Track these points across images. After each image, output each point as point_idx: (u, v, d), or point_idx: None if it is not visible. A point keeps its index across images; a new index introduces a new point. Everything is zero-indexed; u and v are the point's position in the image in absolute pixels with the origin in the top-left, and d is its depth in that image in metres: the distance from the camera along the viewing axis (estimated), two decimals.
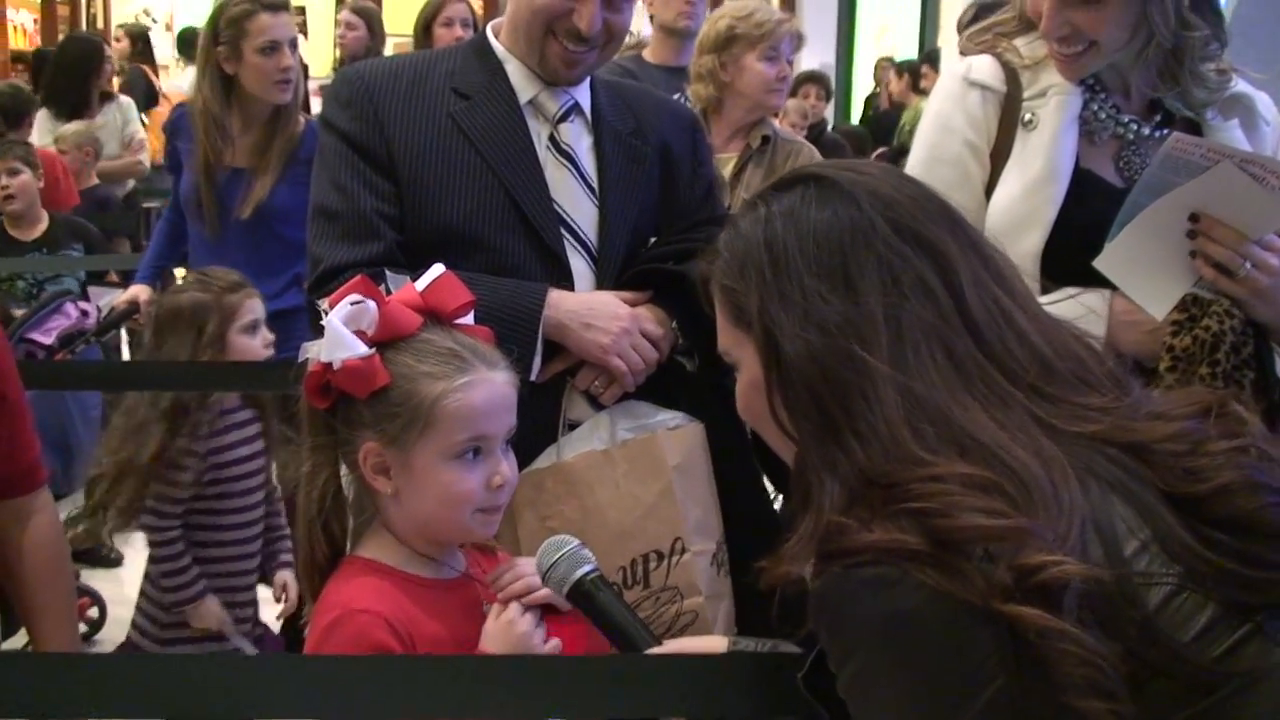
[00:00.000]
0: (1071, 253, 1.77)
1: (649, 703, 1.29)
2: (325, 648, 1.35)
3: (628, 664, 1.32)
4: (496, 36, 1.90)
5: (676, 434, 1.75)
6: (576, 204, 1.84)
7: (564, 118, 1.86)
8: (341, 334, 1.35)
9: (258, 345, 2.67)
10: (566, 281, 1.80)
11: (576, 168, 1.86)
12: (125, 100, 6.35)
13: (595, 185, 1.86)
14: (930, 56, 8.22)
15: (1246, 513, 1.04)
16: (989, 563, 0.97)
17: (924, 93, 7.69)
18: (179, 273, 2.73)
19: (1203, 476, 1.05)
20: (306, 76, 4.01)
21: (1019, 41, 1.91)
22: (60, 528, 1.86)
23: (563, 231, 1.82)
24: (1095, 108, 1.85)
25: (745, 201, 1.24)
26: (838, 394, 1.09)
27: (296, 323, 3.37)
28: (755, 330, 1.15)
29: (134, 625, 2.67)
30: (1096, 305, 1.74)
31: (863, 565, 1.00)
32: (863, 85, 9.96)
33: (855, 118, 9.66)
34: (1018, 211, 1.83)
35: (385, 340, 1.38)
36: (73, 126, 5.55)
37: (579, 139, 1.88)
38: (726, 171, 3.34)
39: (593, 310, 1.76)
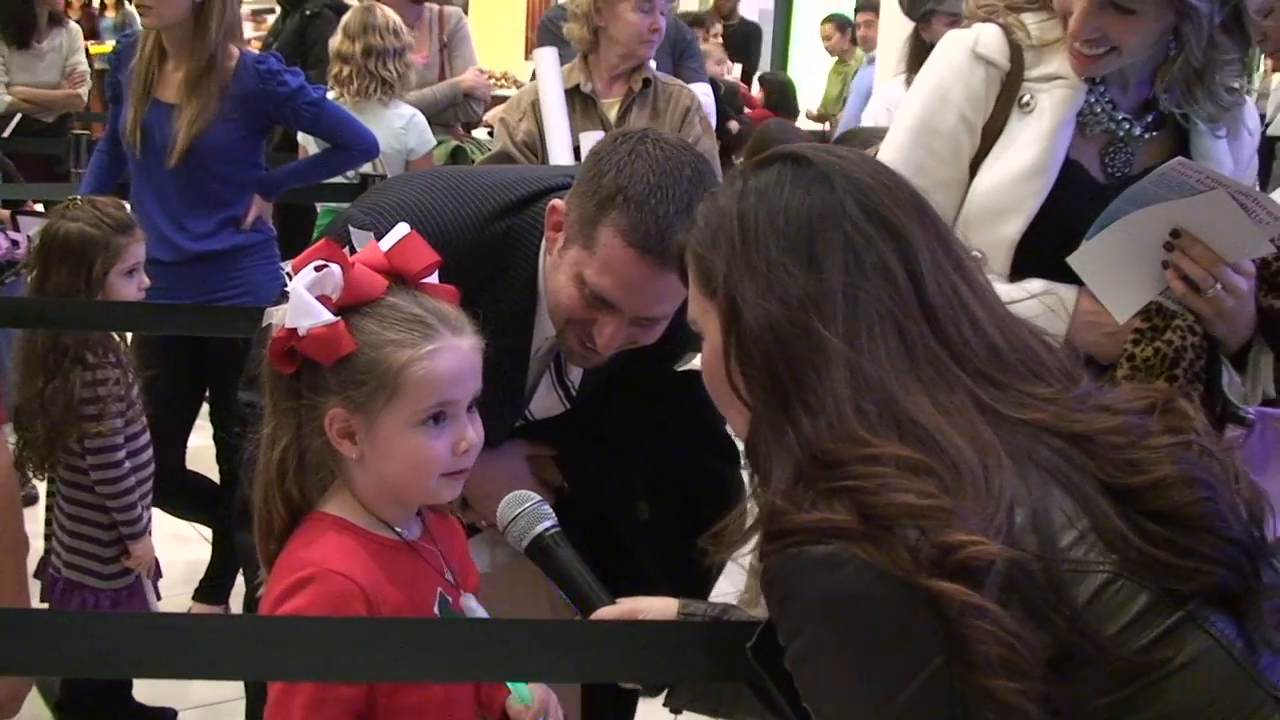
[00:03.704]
0: (1044, 244, 1.80)
1: (602, 667, 1.32)
2: (292, 601, 1.34)
3: (582, 630, 1.35)
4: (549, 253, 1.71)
5: None
6: (548, 410, 1.87)
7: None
8: (306, 301, 1.34)
9: (133, 290, 2.66)
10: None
11: (567, 392, 1.86)
12: (74, 27, 6.05)
13: (574, 394, 1.87)
14: (871, 3, 8.16)
15: (1180, 505, 1.08)
16: (921, 539, 1.01)
17: (864, 43, 7.64)
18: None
19: (1141, 469, 1.09)
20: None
21: (1028, 18, 1.88)
22: (12, 473, 1.85)
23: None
24: (1093, 99, 1.85)
25: (727, 175, 1.28)
26: (791, 365, 1.13)
27: (229, 266, 3.30)
28: (719, 297, 1.19)
29: (71, 566, 2.65)
30: (1062, 298, 1.78)
31: (809, 544, 1.04)
32: (802, 35, 9.83)
33: (792, 68, 9.59)
34: (1002, 198, 1.84)
35: (350, 305, 1.37)
36: None
37: (579, 372, 1.86)
38: (612, 115, 3.39)
39: (492, 481, 1.70)
